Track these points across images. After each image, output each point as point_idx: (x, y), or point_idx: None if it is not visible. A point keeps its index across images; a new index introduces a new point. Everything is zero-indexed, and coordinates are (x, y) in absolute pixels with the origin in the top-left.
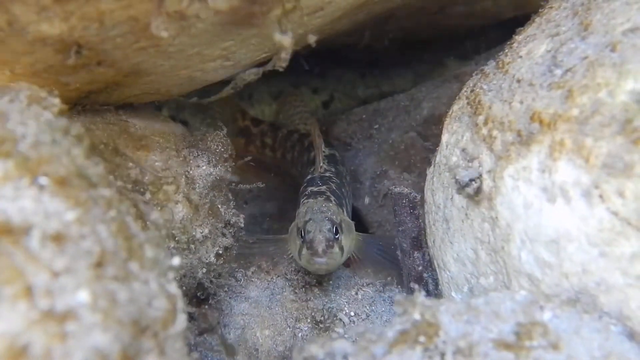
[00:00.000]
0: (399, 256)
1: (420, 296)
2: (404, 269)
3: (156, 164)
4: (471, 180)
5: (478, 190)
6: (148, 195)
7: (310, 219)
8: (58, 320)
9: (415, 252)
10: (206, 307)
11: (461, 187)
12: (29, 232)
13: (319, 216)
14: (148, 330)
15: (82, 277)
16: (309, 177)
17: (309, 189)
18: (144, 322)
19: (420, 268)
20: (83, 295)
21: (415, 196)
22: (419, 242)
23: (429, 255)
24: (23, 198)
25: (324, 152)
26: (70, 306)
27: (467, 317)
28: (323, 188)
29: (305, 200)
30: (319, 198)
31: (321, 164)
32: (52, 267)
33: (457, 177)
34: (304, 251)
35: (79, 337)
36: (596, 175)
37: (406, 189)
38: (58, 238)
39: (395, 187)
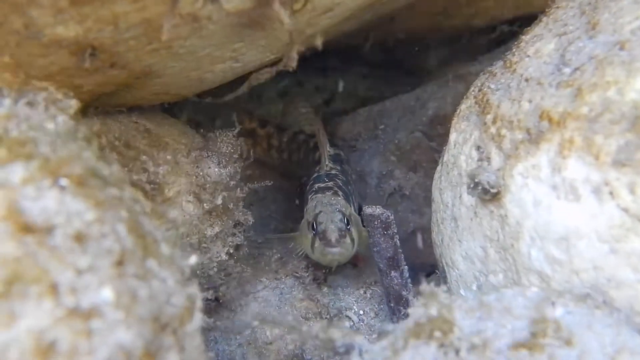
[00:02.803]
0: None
1: (441, 292)
2: (383, 289)
3: (166, 165)
4: (490, 186)
5: (497, 194)
6: (161, 194)
7: (320, 212)
8: (83, 318)
9: (392, 272)
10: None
11: (482, 193)
12: (52, 232)
13: (329, 208)
14: (168, 327)
15: (105, 275)
16: (315, 175)
17: (316, 185)
18: (163, 319)
19: (398, 287)
20: (106, 293)
21: (388, 216)
22: (396, 261)
23: (407, 273)
24: (46, 198)
25: (329, 151)
26: (94, 303)
27: (479, 313)
28: (330, 184)
29: (314, 196)
30: (327, 193)
31: (326, 163)
32: (75, 265)
33: (477, 180)
34: (317, 243)
35: (103, 334)
36: (606, 172)
37: (378, 209)
38: (80, 237)
39: (367, 208)
